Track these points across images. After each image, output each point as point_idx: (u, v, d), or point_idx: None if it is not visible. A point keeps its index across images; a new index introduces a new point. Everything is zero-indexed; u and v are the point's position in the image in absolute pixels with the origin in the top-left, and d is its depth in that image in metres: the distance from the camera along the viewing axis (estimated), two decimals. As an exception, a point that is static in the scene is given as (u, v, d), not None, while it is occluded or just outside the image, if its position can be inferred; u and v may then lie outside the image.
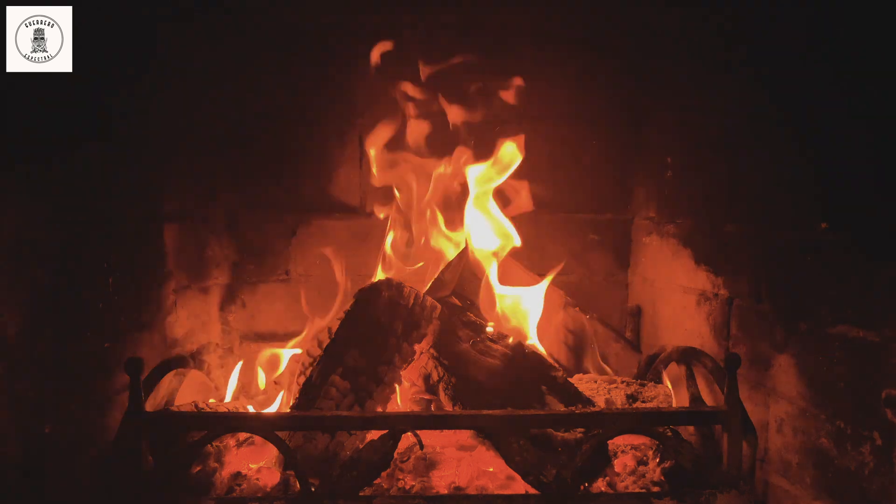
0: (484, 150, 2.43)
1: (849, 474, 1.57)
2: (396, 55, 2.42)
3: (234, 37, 2.41)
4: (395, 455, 1.77)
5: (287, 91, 2.53)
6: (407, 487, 1.80)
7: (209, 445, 1.82)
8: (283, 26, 2.46)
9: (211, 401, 2.06)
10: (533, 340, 2.28)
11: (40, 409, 1.62)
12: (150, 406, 1.88)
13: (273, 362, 2.35)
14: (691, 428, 1.90)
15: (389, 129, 2.48)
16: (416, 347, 2.00)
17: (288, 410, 1.97)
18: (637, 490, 1.78)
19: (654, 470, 1.86)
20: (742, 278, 1.99)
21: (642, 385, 2.16)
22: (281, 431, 1.72)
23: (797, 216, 1.74)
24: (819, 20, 1.64)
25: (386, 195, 2.52)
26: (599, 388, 2.14)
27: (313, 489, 1.68)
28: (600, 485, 1.80)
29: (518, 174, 2.44)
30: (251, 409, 2.11)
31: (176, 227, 2.26)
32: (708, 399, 1.94)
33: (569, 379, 2.03)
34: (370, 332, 1.94)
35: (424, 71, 2.41)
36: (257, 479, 1.84)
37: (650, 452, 1.93)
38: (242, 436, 1.99)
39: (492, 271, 2.28)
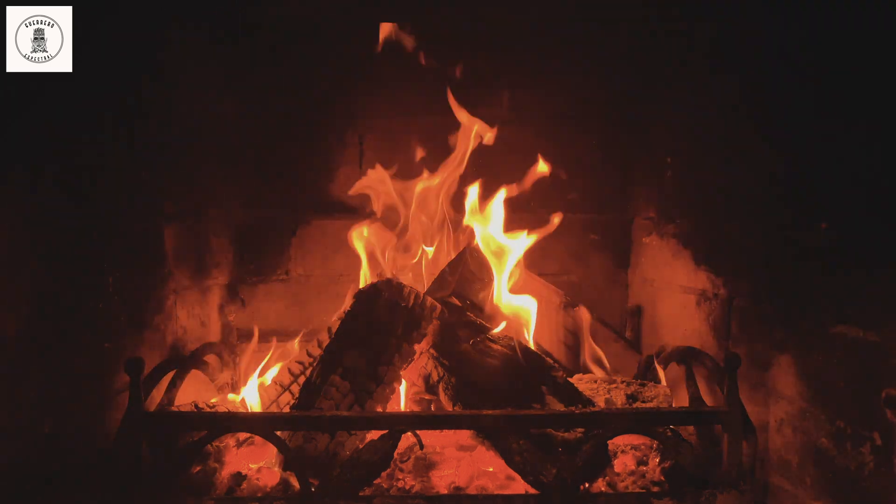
0: (484, 151, 2.43)
1: (849, 474, 1.57)
2: (396, 56, 2.42)
3: (234, 39, 2.41)
4: (395, 455, 1.77)
5: (287, 92, 2.53)
6: (407, 487, 1.80)
7: (209, 445, 1.82)
8: (283, 28, 2.46)
9: (213, 400, 2.06)
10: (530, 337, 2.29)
11: (40, 409, 1.62)
12: (150, 406, 1.88)
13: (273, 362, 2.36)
14: (691, 428, 1.90)
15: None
16: (416, 347, 2.00)
17: (288, 410, 1.97)
18: (637, 490, 1.78)
19: (654, 470, 1.86)
20: (742, 278, 1.99)
21: (642, 385, 2.16)
22: (281, 431, 1.72)
23: (797, 216, 1.74)
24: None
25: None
26: (599, 388, 2.13)
27: (313, 489, 1.68)
28: (600, 485, 1.80)
29: (519, 174, 2.44)
30: (251, 409, 2.11)
31: (176, 227, 2.26)
32: (708, 399, 1.94)
33: (569, 379, 2.03)
34: (370, 333, 1.94)
35: (424, 71, 2.41)
36: (257, 479, 1.84)
37: (650, 452, 1.93)
38: (242, 436, 1.99)
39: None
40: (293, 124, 2.56)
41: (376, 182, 2.48)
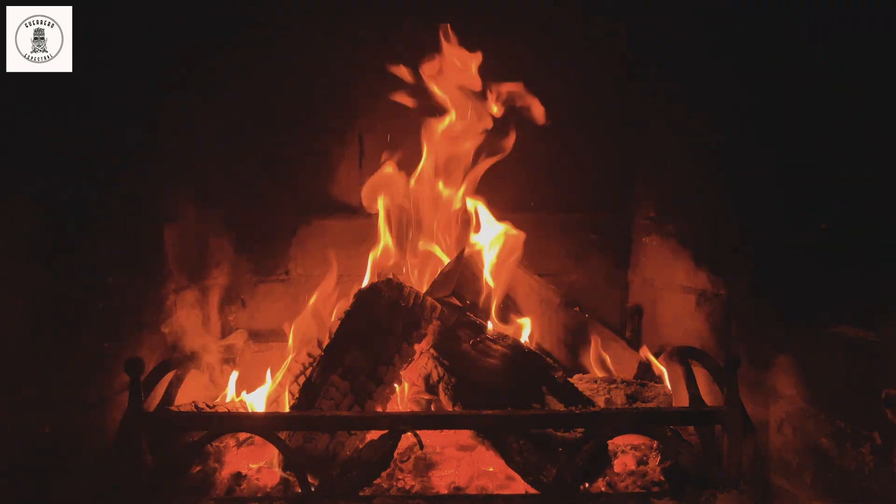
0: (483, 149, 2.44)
1: (849, 474, 1.57)
2: (396, 56, 2.42)
3: (235, 39, 2.41)
4: (395, 455, 1.77)
5: (287, 91, 2.53)
6: (407, 487, 1.80)
7: (209, 445, 1.82)
8: (283, 29, 2.46)
9: (216, 400, 2.06)
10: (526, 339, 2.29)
11: (40, 409, 1.62)
12: (150, 406, 1.88)
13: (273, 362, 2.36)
14: (691, 428, 1.90)
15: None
16: (416, 347, 2.00)
17: (288, 410, 1.97)
18: (637, 490, 1.78)
19: (654, 470, 1.86)
20: (742, 278, 1.99)
21: (642, 385, 2.16)
22: (281, 431, 1.72)
23: (797, 216, 1.74)
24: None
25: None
26: (599, 388, 2.13)
27: (313, 489, 1.68)
28: (600, 485, 1.80)
29: (519, 174, 2.44)
30: (251, 409, 2.11)
31: (176, 227, 2.26)
32: (708, 399, 1.95)
33: (569, 379, 2.03)
34: (370, 332, 1.94)
35: (423, 71, 2.41)
36: (257, 479, 1.84)
37: (650, 452, 1.93)
38: (242, 436, 1.99)
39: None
40: (293, 124, 2.56)
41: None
